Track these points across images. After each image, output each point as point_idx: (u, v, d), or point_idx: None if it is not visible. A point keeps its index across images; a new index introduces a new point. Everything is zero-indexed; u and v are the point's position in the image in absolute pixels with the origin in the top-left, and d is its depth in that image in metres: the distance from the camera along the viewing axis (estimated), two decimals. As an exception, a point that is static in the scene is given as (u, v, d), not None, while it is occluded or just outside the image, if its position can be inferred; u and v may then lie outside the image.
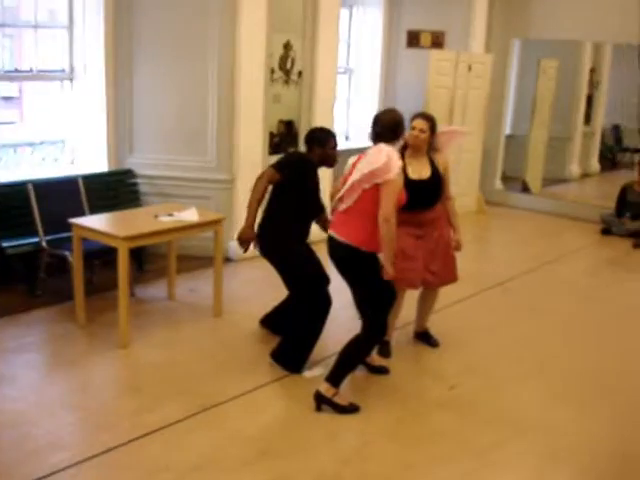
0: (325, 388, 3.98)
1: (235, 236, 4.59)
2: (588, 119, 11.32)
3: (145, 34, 6.22)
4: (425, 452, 3.72)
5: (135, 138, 6.46)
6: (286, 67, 6.76)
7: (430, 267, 4.62)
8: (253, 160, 6.45)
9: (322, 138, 4.54)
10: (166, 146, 6.43)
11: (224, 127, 6.38)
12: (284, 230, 4.48)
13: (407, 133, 4.36)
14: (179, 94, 6.36)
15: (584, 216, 9.07)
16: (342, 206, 4.00)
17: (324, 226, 4.63)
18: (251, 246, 4.48)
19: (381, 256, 3.92)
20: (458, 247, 4.78)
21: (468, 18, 8.92)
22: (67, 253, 5.05)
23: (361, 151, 4.11)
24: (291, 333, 4.50)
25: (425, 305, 4.98)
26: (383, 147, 3.87)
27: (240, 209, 6.26)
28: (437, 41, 8.94)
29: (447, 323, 5.31)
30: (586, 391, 4.50)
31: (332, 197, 4.27)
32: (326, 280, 4.53)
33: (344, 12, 8.43)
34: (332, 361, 4.10)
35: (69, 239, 4.92)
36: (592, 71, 11.09)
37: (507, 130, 10.35)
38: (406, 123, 4.20)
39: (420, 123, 4.45)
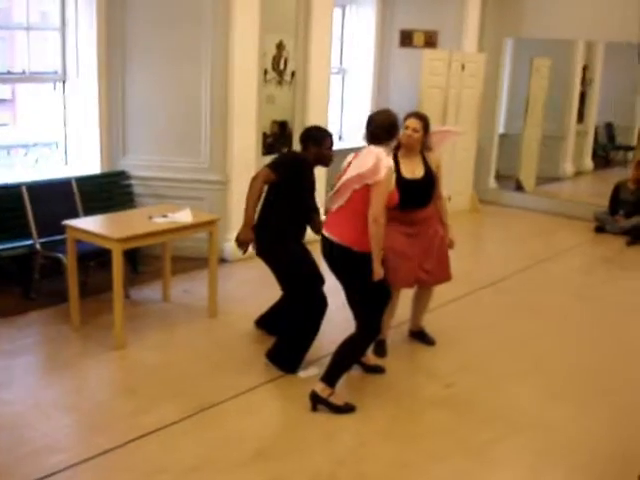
0: (321, 388, 3.99)
1: (233, 238, 4.58)
2: (581, 117, 11.34)
3: (138, 35, 6.21)
4: (421, 450, 3.73)
5: (128, 139, 6.45)
6: (279, 67, 6.76)
7: (424, 266, 4.63)
8: (247, 161, 6.45)
9: (318, 137, 4.53)
10: (159, 147, 6.43)
11: (217, 128, 6.37)
12: (280, 230, 4.48)
13: (401, 132, 4.37)
14: (172, 95, 6.35)
15: (578, 214, 9.09)
16: (334, 206, 4.02)
17: (315, 227, 4.62)
18: (250, 247, 4.48)
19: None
20: (451, 245, 4.81)
21: (461, 17, 8.94)
22: (61, 255, 5.03)
23: (356, 150, 4.12)
24: (286, 333, 4.50)
25: (420, 304, 4.99)
26: (373, 149, 3.90)
27: (234, 210, 6.28)
28: (430, 40, 8.96)
29: (442, 322, 5.32)
30: (582, 388, 4.51)
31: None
32: (321, 280, 4.53)
33: (337, 11, 8.44)
34: (327, 361, 4.10)
35: (63, 241, 4.91)
36: (585, 69, 11.12)
37: (500, 129, 10.38)
38: (399, 123, 4.21)
39: (413, 123, 4.46)
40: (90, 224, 4.90)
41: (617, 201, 8.59)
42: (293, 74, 6.90)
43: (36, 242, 5.28)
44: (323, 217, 4.42)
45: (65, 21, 6.18)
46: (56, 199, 5.50)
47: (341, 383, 4.08)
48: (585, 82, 11.19)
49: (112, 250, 4.53)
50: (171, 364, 4.52)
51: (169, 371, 4.43)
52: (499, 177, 10.18)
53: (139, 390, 4.17)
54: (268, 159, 4.82)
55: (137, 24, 6.19)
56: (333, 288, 4.36)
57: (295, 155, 4.94)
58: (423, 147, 4.55)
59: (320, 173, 5.83)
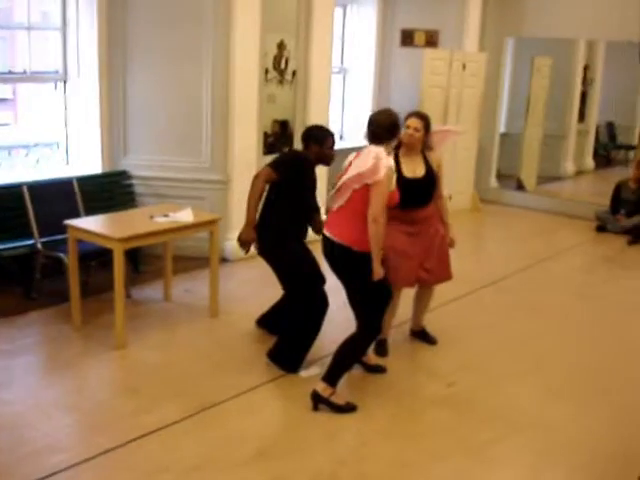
0: (322, 388, 3.99)
1: (234, 237, 4.58)
2: (582, 116, 11.34)
3: (139, 35, 6.21)
4: (422, 450, 3.73)
5: (129, 139, 6.45)
6: (280, 67, 6.76)
7: (425, 265, 4.63)
8: (248, 160, 6.45)
9: (320, 136, 4.53)
10: (161, 147, 6.43)
11: (218, 127, 6.38)
12: (281, 229, 4.47)
13: (402, 132, 4.37)
14: (173, 94, 6.35)
15: (579, 213, 9.09)
16: (335, 206, 4.02)
17: (315, 227, 4.62)
18: (252, 247, 4.48)
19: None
20: (452, 244, 4.82)
21: (462, 17, 8.94)
22: (62, 255, 5.04)
23: (356, 150, 4.12)
24: (287, 333, 4.50)
25: (421, 303, 4.99)
26: (373, 149, 3.90)
27: (235, 209, 6.28)
28: (431, 40, 8.96)
29: (443, 321, 5.32)
30: (582, 388, 4.51)
31: None
32: (322, 280, 4.53)
33: (338, 11, 8.45)
34: (328, 361, 4.10)
35: (64, 241, 4.91)
36: (586, 68, 11.12)
37: (502, 128, 10.38)
38: (400, 122, 4.21)
39: (414, 122, 4.47)
40: (91, 224, 4.90)
41: (618, 200, 8.59)
42: (294, 73, 6.90)
43: (37, 242, 5.28)
44: (324, 217, 4.42)
45: (66, 21, 6.18)
46: (57, 199, 5.51)
47: (342, 382, 4.08)
48: (586, 81, 11.19)
49: (113, 250, 4.53)
50: (172, 364, 4.52)
51: (170, 370, 4.43)
52: (500, 176, 10.18)
53: (140, 390, 4.17)
54: (269, 158, 4.82)
55: (138, 24, 6.20)
56: (334, 287, 4.36)
57: (296, 154, 4.93)
58: (424, 146, 4.55)
59: (321, 172, 5.83)
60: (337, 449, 3.71)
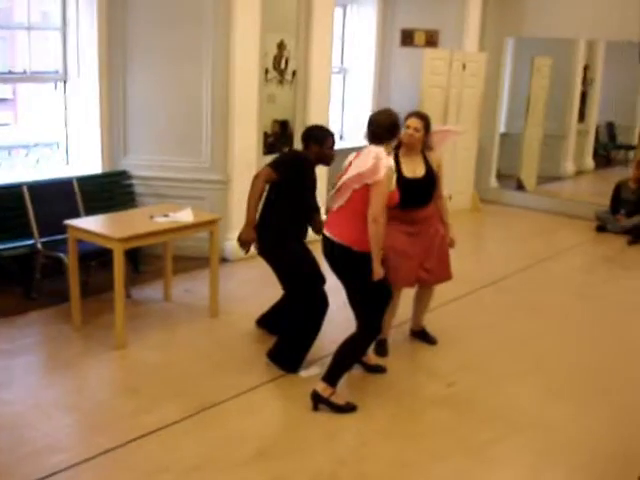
0: (322, 388, 3.99)
1: (234, 237, 4.57)
2: (582, 116, 11.34)
3: (139, 35, 6.21)
4: (422, 450, 3.73)
5: (129, 139, 6.45)
6: (280, 67, 6.76)
7: (425, 265, 4.63)
8: (248, 160, 6.45)
9: (320, 136, 4.53)
10: (161, 147, 6.43)
11: (218, 127, 6.38)
12: (281, 229, 4.47)
13: (402, 132, 4.37)
14: (173, 94, 6.35)
15: (579, 213, 9.09)
16: (335, 206, 4.02)
17: (315, 227, 4.62)
18: (252, 247, 4.48)
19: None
20: (452, 244, 4.82)
21: (462, 17, 8.94)
22: (62, 255, 5.04)
23: (356, 150, 4.12)
24: (287, 333, 4.50)
25: (421, 303, 4.99)
26: (372, 149, 3.90)
27: (235, 209, 6.28)
28: (431, 40, 8.96)
29: (443, 321, 5.32)
30: (582, 388, 4.51)
31: None
32: (322, 280, 4.53)
33: (338, 11, 8.45)
34: (328, 360, 4.10)
35: (64, 241, 4.91)
36: (586, 68, 11.12)
37: (501, 128, 10.38)
38: (400, 122, 4.21)
39: (414, 122, 4.47)
40: (91, 224, 4.90)
41: (618, 200, 8.59)
42: (294, 73, 6.90)
43: (37, 242, 5.28)
44: (324, 217, 4.42)
45: (66, 21, 6.18)
46: (57, 199, 5.51)
47: (342, 383, 4.08)
48: (586, 81, 11.19)
49: (113, 250, 4.53)
50: (172, 364, 4.52)
51: (170, 370, 4.43)
52: (500, 176, 10.18)
53: (140, 390, 4.17)
54: (269, 158, 4.82)
55: (138, 24, 6.20)
56: (334, 287, 4.36)
57: (296, 154, 4.92)
58: (424, 146, 4.55)
59: (321, 172, 5.84)
60: (337, 449, 3.71)
